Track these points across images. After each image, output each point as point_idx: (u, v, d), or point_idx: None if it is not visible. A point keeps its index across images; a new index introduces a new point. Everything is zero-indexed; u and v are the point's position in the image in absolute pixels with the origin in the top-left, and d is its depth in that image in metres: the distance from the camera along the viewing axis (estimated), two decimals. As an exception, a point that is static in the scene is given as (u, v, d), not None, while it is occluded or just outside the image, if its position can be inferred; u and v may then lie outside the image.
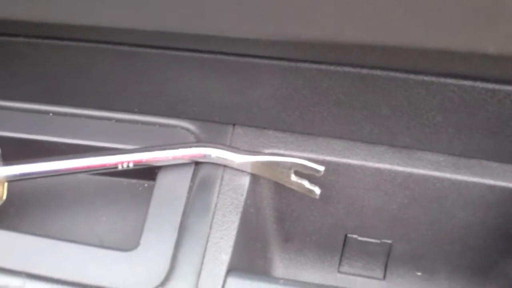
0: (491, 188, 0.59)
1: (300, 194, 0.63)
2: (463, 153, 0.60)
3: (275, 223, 0.67)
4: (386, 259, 0.68)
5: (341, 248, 0.68)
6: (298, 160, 0.57)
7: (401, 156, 0.60)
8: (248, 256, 0.62)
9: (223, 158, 0.58)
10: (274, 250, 0.69)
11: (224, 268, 0.54)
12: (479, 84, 0.53)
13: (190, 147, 0.58)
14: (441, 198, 0.61)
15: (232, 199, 0.57)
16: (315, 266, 0.70)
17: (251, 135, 0.62)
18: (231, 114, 0.62)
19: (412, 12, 0.44)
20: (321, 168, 0.57)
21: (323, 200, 0.64)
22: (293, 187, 0.59)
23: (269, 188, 0.63)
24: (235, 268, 0.55)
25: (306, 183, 0.59)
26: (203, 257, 0.54)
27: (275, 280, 0.54)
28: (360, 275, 0.69)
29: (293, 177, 0.59)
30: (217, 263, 0.54)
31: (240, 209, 0.57)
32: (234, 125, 0.63)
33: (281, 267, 0.69)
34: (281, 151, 0.61)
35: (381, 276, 0.69)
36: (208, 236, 0.55)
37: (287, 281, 0.54)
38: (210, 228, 0.56)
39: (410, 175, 0.60)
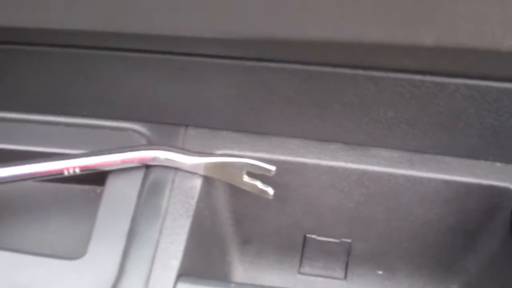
0: (447, 183, 0.58)
1: (256, 195, 0.62)
2: (417, 148, 0.59)
3: (232, 225, 0.65)
4: (347, 259, 0.67)
5: (301, 249, 0.67)
6: (249, 160, 0.56)
7: (356, 154, 0.60)
8: (204, 261, 0.61)
9: (173, 161, 0.57)
10: (233, 253, 0.68)
11: (173, 274, 0.52)
12: (428, 78, 0.52)
13: (139, 150, 0.57)
14: (397, 195, 0.60)
15: (183, 203, 0.56)
16: (275, 267, 0.69)
17: (204, 136, 0.61)
18: (182, 115, 0.60)
19: (348, 5, 0.43)
20: (272, 168, 0.56)
21: (279, 201, 0.63)
22: (246, 188, 0.58)
23: (224, 190, 0.62)
24: (186, 274, 0.53)
25: (259, 184, 0.58)
26: (152, 263, 0.53)
27: (227, 284, 0.52)
28: (321, 276, 0.68)
29: (246, 178, 0.58)
30: (166, 269, 0.52)
31: (191, 213, 0.56)
32: (186, 126, 0.61)
33: (241, 270, 0.68)
34: (235, 152, 0.60)
35: (342, 275, 0.68)
36: (158, 242, 0.54)
37: (239, 285, 0.53)
38: (160, 233, 0.54)
39: (365, 172, 0.59)
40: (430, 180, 0.58)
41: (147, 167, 0.58)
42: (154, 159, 0.57)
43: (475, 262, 0.63)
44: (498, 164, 0.59)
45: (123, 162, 0.56)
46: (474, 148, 0.58)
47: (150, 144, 0.60)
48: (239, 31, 0.49)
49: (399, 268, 0.67)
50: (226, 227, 0.65)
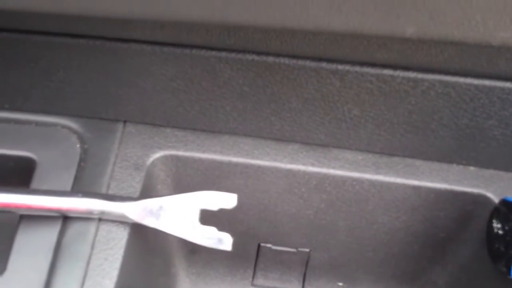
0: (416, 189, 0.53)
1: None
2: (385, 150, 0.53)
3: (177, 234, 0.59)
4: (304, 269, 0.61)
5: (255, 259, 0.61)
6: (205, 192, 0.48)
7: (316, 156, 0.53)
8: (145, 275, 0.54)
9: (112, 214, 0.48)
10: (178, 265, 0.61)
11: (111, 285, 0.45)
12: (400, 73, 0.46)
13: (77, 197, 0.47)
14: (361, 201, 0.54)
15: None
16: (226, 279, 0.62)
17: (144, 133, 0.53)
18: (120, 109, 0.53)
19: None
20: (234, 197, 0.47)
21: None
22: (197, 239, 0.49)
23: (168, 193, 0.55)
24: (124, 285, 0.46)
25: (214, 230, 0.48)
26: (83, 283, 0.45)
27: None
28: (276, 288, 0.62)
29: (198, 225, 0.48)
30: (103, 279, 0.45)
31: (129, 223, 0.48)
32: (125, 122, 0.54)
33: (187, 282, 0.61)
34: (180, 152, 0.53)
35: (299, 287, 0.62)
36: (89, 258, 0.46)
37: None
38: (92, 247, 0.47)
39: (326, 176, 0.53)
40: (397, 185, 0.53)
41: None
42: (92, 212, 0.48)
43: (444, 274, 0.58)
44: (472, 168, 0.54)
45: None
46: (446, 151, 0.53)
47: (82, 153, 0.52)
48: (182, 13, 0.41)
49: (361, 280, 0.61)
50: (171, 236, 0.58)
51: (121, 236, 0.48)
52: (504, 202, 0.48)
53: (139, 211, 0.47)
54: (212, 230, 0.48)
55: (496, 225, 0.47)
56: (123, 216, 0.47)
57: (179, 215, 0.48)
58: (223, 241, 0.48)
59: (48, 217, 0.48)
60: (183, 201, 0.48)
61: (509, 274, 0.46)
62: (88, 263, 0.46)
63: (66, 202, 0.47)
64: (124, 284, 0.47)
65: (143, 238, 0.51)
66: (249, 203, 0.56)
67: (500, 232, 0.47)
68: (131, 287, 0.49)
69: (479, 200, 0.52)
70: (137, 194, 0.50)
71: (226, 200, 0.48)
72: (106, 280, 0.45)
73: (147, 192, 0.52)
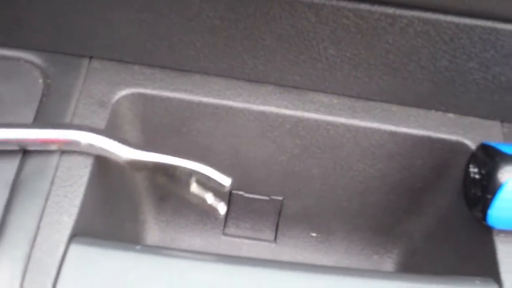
0: (392, 135, 0.51)
1: (172, 144, 0.54)
2: (361, 94, 0.51)
3: (147, 179, 0.56)
4: (277, 219, 0.60)
5: (226, 207, 0.59)
6: (203, 168, 0.45)
7: (290, 98, 0.51)
8: (109, 219, 0.52)
9: (105, 150, 0.45)
10: (147, 211, 0.59)
11: (66, 233, 0.43)
12: (378, 9, 0.44)
13: (59, 128, 0.45)
14: (336, 147, 0.52)
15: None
16: (196, 228, 0.60)
17: (111, 70, 0.51)
18: (85, 43, 0.50)
19: None
20: (227, 183, 0.44)
21: (202, 150, 0.54)
22: (191, 200, 0.46)
23: (137, 137, 0.53)
24: (83, 233, 0.44)
25: (209, 198, 0.46)
26: (40, 219, 0.43)
27: (131, 247, 0.44)
28: (248, 237, 0.61)
29: (194, 188, 0.46)
30: (57, 228, 0.43)
31: (91, 161, 0.46)
32: (90, 58, 0.51)
33: (156, 230, 0.60)
34: (148, 90, 0.50)
35: (271, 237, 0.61)
36: (48, 194, 0.44)
37: (145, 247, 0.44)
38: (52, 183, 0.45)
39: (300, 120, 0.51)
40: (373, 130, 0.51)
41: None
42: (75, 143, 0.45)
43: (420, 225, 0.57)
44: (450, 115, 0.52)
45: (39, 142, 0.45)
46: (425, 96, 0.51)
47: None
48: None
49: (335, 230, 0.60)
50: (140, 181, 0.56)
51: (83, 173, 0.45)
52: (482, 146, 0.46)
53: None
54: (208, 197, 0.46)
55: (473, 169, 0.46)
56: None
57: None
58: (217, 210, 0.46)
59: (7, 152, 0.46)
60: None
61: (484, 220, 0.45)
62: (46, 199, 0.44)
63: (27, 133, 0.45)
64: (86, 224, 0.45)
65: (107, 178, 0.49)
66: (220, 148, 0.54)
67: (477, 176, 0.45)
68: (93, 228, 0.47)
69: (457, 148, 0.51)
70: (101, 132, 0.48)
71: (219, 181, 0.45)
72: (64, 218, 0.43)
73: (113, 132, 0.50)
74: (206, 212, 0.60)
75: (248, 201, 0.58)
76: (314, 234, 0.60)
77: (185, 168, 0.45)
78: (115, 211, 0.53)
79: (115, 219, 0.53)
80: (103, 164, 0.48)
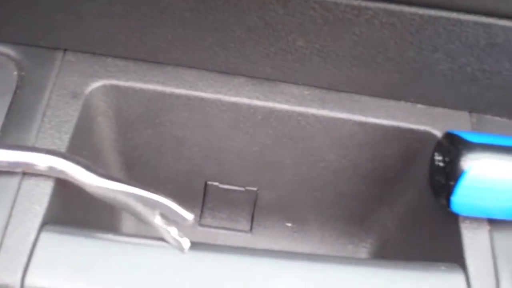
0: (362, 125, 0.52)
1: (147, 135, 0.54)
2: (331, 85, 0.52)
3: (121, 170, 0.57)
4: (252, 209, 0.61)
5: (202, 198, 0.60)
6: (165, 201, 0.44)
7: (262, 89, 0.52)
8: (85, 209, 0.52)
9: (70, 176, 0.45)
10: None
11: (37, 221, 0.44)
12: (343, 0, 0.45)
13: (25, 150, 0.45)
14: (308, 138, 0.53)
15: (53, 138, 0.47)
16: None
17: (84, 62, 0.51)
18: (59, 36, 0.51)
19: None
20: (190, 217, 0.44)
21: (175, 142, 0.55)
22: (156, 230, 0.46)
23: (110, 128, 0.54)
24: (54, 222, 0.45)
25: (173, 232, 0.45)
26: (12, 208, 0.44)
27: (101, 234, 0.44)
28: (224, 228, 0.61)
29: (158, 220, 0.45)
30: (29, 216, 0.44)
31: (64, 150, 0.47)
32: (65, 51, 0.52)
33: (132, 221, 0.60)
34: (121, 82, 0.51)
35: (247, 228, 0.62)
36: (20, 183, 0.45)
37: (116, 235, 0.45)
38: (23, 172, 0.46)
39: (271, 110, 0.52)
40: (343, 121, 0.52)
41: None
42: (45, 168, 0.45)
43: (392, 215, 0.58)
44: (419, 106, 0.53)
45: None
46: (394, 87, 0.52)
47: (23, 87, 0.49)
48: None
49: (310, 220, 0.61)
50: (114, 171, 0.57)
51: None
52: (447, 134, 0.47)
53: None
54: (172, 230, 0.45)
55: (438, 157, 0.47)
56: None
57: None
58: (181, 244, 0.45)
59: None
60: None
61: (449, 207, 0.46)
62: (18, 188, 0.44)
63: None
64: (58, 213, 0.46)
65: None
66: (193, 139, 0.55)
67: (441, 164, 0.46)
68: (66, 217, 0.47)
69: (426, 138, 0.51)
70: (74, 122, 0.48)
71: (182, 216, 0.44)
72: (35, 206, 0.44)
73: (86, 123, 0.51)
74: (182, 203, 0.61)
75: (224, 192, 0.59)
76: (289, 224, 0.61)
77: (150, 200, 0.44)
78: (89, 200, 0.54)
79: (90, 209, 0.54)
80: (78, 153, 0.48)
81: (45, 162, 0.45)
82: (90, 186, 0.45)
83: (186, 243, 0.45)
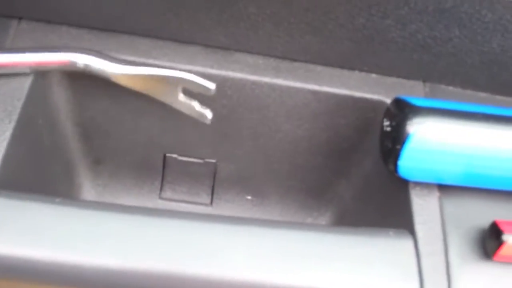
0: (316, 94, 0.52)
1: (104, 105, 0.54)
2: (285, 54, 0.52)
3: (80, 142, 0.57)
4: (212, 182, 0.61)
5: (161, 171, 0.60)
6: (187, 75, 0.49)
7: (216, 58, 0.52)
8: (42, 179, 0.52)
9: (96, 68, 0.48)
10: (83, 175, 0.60)
11: None
12: (291, -35, 0.45)
13: (53, 51, 0.48)
14: (263, 107, 0.53)
15: (5, 104, 0.47)
16: (133, 192, 0.61)
17: (39, 31, 0.51)
18: (12, 4, 0.50)
19: None
20: (212, 86, 0.49)
21: (132, 113, 0.55)
22: (182, 109, 0.51)
23: (66, 98, 0.53)
24: (6, 188, 0.45)
25: (196, 105, 0.51)
26: None
27: (50, 199, 0.44)
28: (184, 201, 0.61)
29: (181, 97, 0.50)
30: None
31: (15, 117, 0.47)
32: (20, 19, 0.52)
33: (93, 194, 0.60)
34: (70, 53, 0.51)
35: (207, 201, 0.62)
36: None
37: (65, 201, 0.45)
38: None
39: (225, 79, 0.52)
40: (297, 90, 0.52)
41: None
42: (71, 64, 0.48)
43: (349, 187, 0.58)
44: (373, 75, 0.53)
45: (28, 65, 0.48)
46: (347, 55, 0.52)
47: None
48: None
49: (269, 193, 0.61)
50: (72, 143, 0.57)
51: (5, 128, 0.46)
52: (395, 100, 0.47)
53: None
54: (195, 104, 0.51)
55: (386, 123, 0.47)
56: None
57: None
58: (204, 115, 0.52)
59: None
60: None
61: (396, 172, 0.46)
62: None
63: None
64: (10, 180, 0.46)
65: (35, 138, 0.50)
66: (150, 110, 0.55)
67: (388, 129, 0.46)
68: (20, 185, 0.47)
69: (379, 107, 0.52)
70: (25, 90, 0.48)
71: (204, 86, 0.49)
72: None
73: (40, 92, 0.51)
74: (142, 176, 0.61)
75: (183, 164, 0.59)
76: (249, 197, 0.61)
77: (172, 77, 0.49)
78: (46, 169, 0.54)
79: (47, 179, 0.54)
80: (31, 123, 0.48)
81: (67, 57, 0.48)
82: (114, 75, 0.49)
83: (209, 113, 0.52)
